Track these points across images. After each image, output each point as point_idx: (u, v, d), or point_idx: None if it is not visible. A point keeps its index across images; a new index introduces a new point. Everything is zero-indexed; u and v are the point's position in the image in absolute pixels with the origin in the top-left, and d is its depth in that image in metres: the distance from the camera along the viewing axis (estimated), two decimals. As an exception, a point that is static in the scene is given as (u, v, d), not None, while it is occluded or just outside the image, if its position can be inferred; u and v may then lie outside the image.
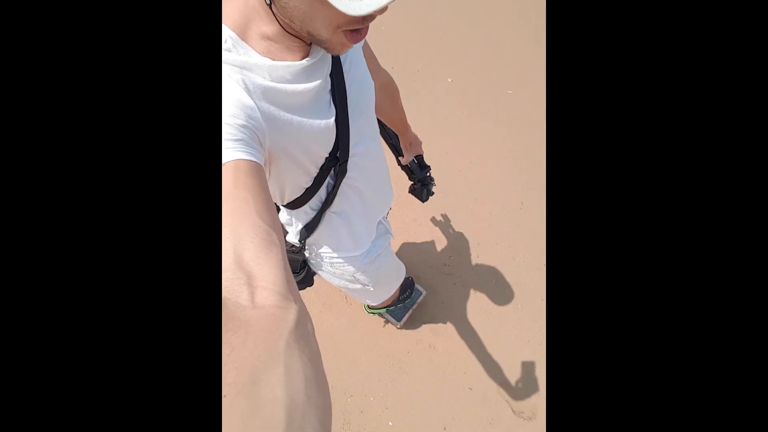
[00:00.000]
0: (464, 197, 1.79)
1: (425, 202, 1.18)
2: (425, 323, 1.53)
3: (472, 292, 1.59)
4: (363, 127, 0.66)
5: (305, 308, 0.33)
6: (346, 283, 0.97)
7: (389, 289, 1.18)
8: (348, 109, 0.60)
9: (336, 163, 0.64)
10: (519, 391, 1.40)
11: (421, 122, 1.99)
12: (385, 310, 1.48)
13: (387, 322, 1.52)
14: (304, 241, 0.82)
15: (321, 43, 0.47)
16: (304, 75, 0.51)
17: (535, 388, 1.40)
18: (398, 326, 1.49)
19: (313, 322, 0.33)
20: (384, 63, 0.81)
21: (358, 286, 0.99)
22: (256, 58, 0.48)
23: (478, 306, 1.56)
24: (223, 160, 0.40)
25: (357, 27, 0.45)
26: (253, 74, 0.47)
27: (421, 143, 1.08)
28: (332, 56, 0.55)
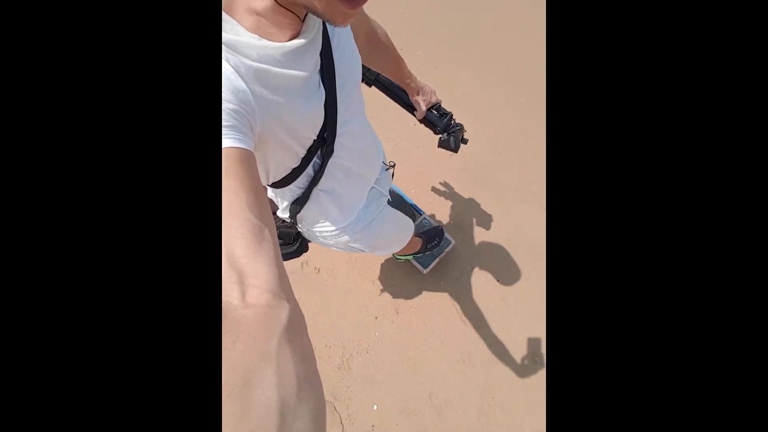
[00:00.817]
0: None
1: (457, 152, 1.07)
2: (451, 269, 1.57)
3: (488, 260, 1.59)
4: (350, 106, 0.64)
5: (298, 306, 0.33)
6: (343, 248, 0.97)
7: (392, 249, 1.17)
8: (336, 89, 0.57)
9: (323, 144, 0.62)
10: (521, 367, 1.45)
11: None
12: (412, 257, 1.53)
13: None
14: (295, 217, 0.81)
15: (319, 15, 0.44)
16: (296, 56, 0.49)
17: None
18: (424, 272, 1.55)
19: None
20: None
21: (356, 250, 0.99)
22: (245, 36, 0.45)
23: (488, 281, 1.57)
24: None
25: None
26: (243, 55, 0.45)
27: (433, 91, 0.97)
28: (321, 32, 0.53)
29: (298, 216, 0.81)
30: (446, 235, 1.58)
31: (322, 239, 0.91)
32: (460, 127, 1.03)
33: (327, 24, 0.52)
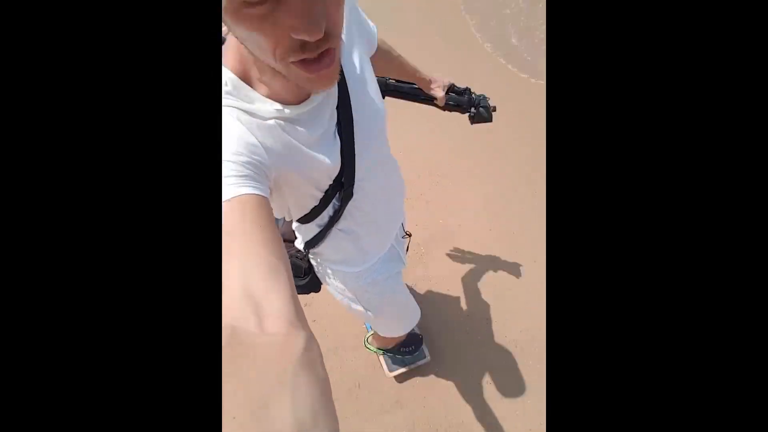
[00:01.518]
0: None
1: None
2: (415, 387, 1.47)
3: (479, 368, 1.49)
4: (371, 152, 0.65)
5: (313, 336, 0.33)
6: (349, 302, 0.96)
7: (394, 325, 1.12)
8: (354, 138, 0.59)
9: (341, 188, 0.64)
10: None
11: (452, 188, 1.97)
12: (382, 352, 1.47)
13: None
14: (309, 249, 0.82)
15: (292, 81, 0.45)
16: (309, 116, 0.52)
17: None
18: (387, 374, 1.46)
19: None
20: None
21: (360, 308, 0.97)
22: (258, 102, 0.49)
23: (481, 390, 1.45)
24: (230, 195, 0.42)
25: (303, 57, 0.41)
26: (255, 117, 0.49)
27: (442, 77, 0.96)
28: (338, 84, 0.54)
29: (316, 250, 0.82)
30: (424, 347, 1.52)
31: (331, 278, 0.90)
32: (484, 97, 1.02)
33: (344, 73, 0.56)
